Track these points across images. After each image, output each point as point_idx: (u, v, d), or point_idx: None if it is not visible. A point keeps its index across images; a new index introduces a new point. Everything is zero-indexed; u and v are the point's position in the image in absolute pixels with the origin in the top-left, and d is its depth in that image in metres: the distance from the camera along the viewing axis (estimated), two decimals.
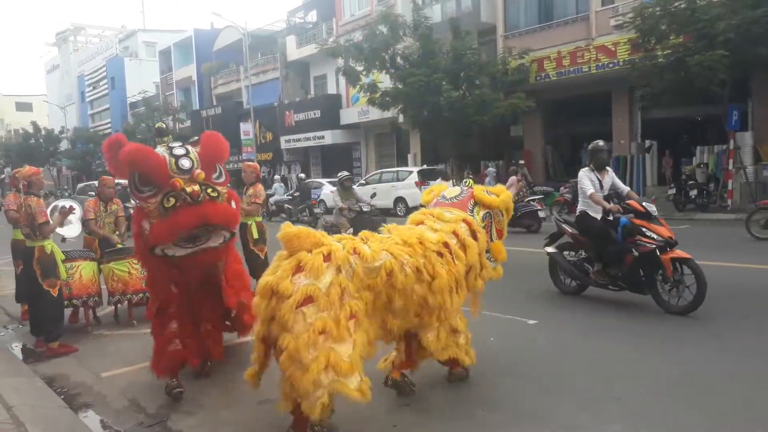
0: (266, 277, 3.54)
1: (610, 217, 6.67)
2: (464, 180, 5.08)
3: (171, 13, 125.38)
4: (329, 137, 30.19)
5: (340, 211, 10.50)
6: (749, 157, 16.50)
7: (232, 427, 4.11)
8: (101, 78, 58.15)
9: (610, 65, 18.63)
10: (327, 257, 3.52)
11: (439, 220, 4.38)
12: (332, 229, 10.59)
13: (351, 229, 9.61)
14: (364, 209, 10.70)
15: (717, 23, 13.84)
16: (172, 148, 4.41)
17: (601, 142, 7.11)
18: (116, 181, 7.84)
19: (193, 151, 4.47)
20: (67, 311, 6.73)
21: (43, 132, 53.68)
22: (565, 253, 7.48)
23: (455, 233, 4.27)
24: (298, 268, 3.48)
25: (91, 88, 60.64)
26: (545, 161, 22.81)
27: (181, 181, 4.18)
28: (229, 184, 4.82)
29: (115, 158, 4.38)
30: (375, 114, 25.66)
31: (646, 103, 17.90)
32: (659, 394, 4.26)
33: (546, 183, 21.20)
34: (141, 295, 7.08)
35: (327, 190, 24.27)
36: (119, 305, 7.19)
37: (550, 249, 7.56)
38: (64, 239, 7.24)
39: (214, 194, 4.32)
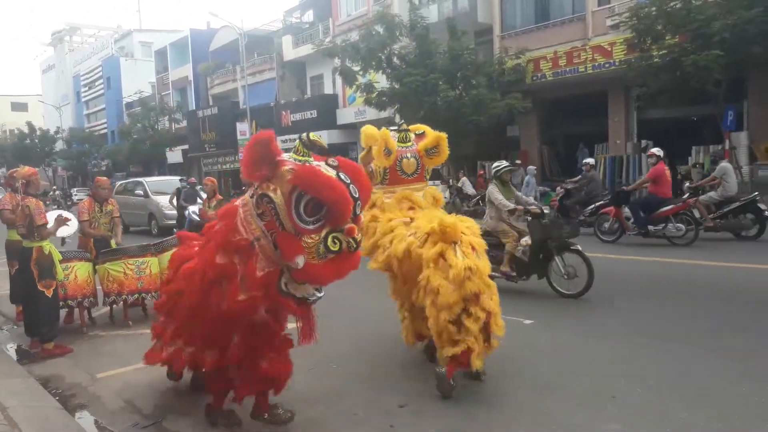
0: (463, 261, 4.12)
1: None
2: (398, 127, 5.26)
3: (167, 13, 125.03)
4: (326, 137, 30.12)
5: (510, 215, 7.58)
6: (744, 157, 16.54)
7: (227, 428, 4.09)
8: (97, 78, 58.06)
9: (606, 65, 18.66)
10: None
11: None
12: (494, 239, 7.54)
13: (527, 239, 7.43)
14: (543, 211, 7.80)
15: (712, 23, 13.87)
16: (348, 185, 3.52)
17: None
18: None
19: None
20: (63, 312, 6.70)
21: (38, 132, 53.57)
22: None
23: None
24: (473, 249, 4.29)
25: (86, 88, 60.56)
26: (541, 161, 22.82)
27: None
28: None
29: (260, 159, 3.49)
30: (372, 114, 25.62)
31: (642, 103, 17.93)
32: (656, 394, 4.26)
33: (542, 183, 21.22)
34: (136, 295, 7.07)
35: None
36: (114, 306, 7.16)
37: None
38: (63, 241, 7.24)
39: None
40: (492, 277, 4.42)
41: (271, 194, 3.47)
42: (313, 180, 3.41)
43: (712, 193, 11.34)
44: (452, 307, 4.12)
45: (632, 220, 11.30)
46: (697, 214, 10.96)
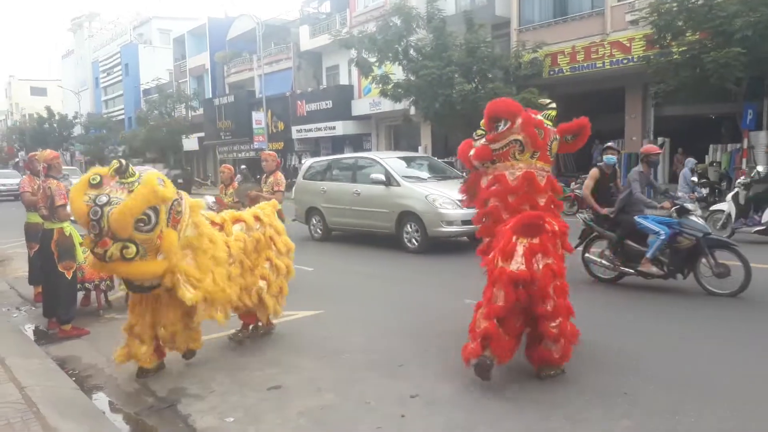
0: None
1: None
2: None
3: (186, 0, 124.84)
4: (340, 128, 30.16)
5: None
6: (763, 156, 16.35)
7: (241, 412, 4.16)
8: (115, 64, 58.40)
9: (625, 61, 18.49)
10: None
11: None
12: None
13: None
14: None
15: (734, 20, 13.69)
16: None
17: None
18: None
19: None
20: (79, 294, 6.80)
21: (56, 117, 54.07)
22: None
23: None
24: None
25: (105, 74, 60.92)
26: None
27: None
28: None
29: None
30: (386, 105, 25.62)
31: (659, 100, 17.76)
32: (668, 391, 4.25)
33: (557, 178, 21.13)
34: None
35: None
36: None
37: None
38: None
39: None
40: None
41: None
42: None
43: None
44: None
45: None
46: None
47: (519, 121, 4.70)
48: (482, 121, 5.04)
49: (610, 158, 7.86)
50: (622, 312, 6.45)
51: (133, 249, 4.07)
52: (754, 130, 16.18)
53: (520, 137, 4.71)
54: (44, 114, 54.04)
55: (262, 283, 5.36)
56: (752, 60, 13.91)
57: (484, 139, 4.99)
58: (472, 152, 5.06)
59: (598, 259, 7.65)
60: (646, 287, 7.37)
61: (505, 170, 4.78)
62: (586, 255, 7.85)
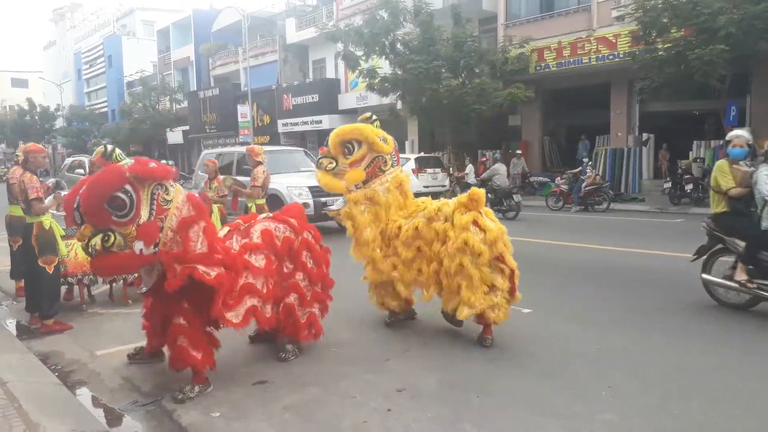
0: (497, 225, 5.08)
1: None
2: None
3: None
4: (327, 122, 30.05)
5: None
6: None
7: (226, 407, 4.13)
8: (98, 56, 57.77)
9: (610, 57, 18.61)
10: None
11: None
12: None
13: None
14: None
15: (718, 17, 13.80)
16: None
17: None
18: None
19: None
20: (62, 289, 6.72)
21: (38, 109, 53.40)
22: None
23: None
24: None
25: (87, 65, 60.25)
26: (542, 151, 22.83)
27: None
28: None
29: None
30: (373, 99, 25.57)
31: (645, 95, 17.92)
32: (652, 385, 4.29)
33: (543, 173, 21.25)
34: (136, 275, 7.06)
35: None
36: (114, 284, 7.19)
37: None
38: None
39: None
40: None
41: None
42: None
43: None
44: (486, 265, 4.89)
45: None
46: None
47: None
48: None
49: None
50: (603, 308, 6.49)
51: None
52: (737, 127, 16.35)
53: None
54: (25, 106, 53.35)
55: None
56: (735, 57, 14.05)
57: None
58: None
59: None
60: (626, 282, 7.43)
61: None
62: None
